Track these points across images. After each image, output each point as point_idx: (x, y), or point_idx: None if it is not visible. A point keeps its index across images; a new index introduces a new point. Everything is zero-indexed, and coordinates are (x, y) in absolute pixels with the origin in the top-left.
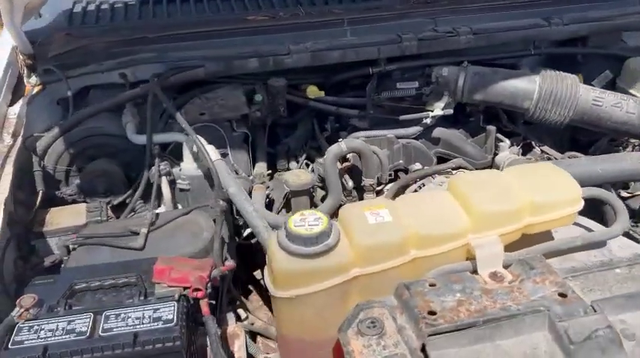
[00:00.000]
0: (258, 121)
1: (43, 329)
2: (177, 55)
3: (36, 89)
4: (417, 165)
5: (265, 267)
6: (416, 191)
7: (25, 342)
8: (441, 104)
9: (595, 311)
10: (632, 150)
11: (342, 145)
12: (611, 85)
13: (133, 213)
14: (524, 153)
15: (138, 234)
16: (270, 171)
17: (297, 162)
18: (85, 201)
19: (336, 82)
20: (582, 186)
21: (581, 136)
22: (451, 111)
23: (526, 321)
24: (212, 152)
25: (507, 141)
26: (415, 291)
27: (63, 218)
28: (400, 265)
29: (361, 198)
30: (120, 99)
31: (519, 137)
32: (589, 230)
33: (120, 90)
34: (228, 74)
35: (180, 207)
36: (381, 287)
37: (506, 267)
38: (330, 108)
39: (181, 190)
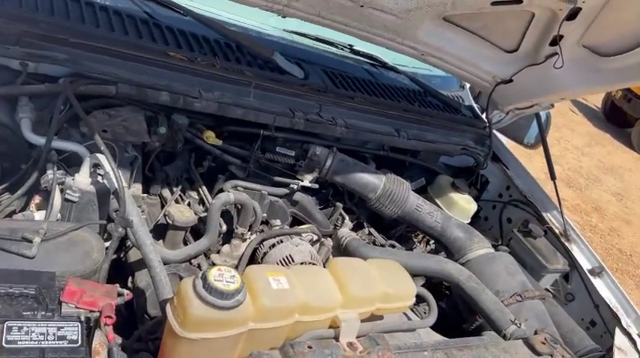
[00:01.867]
0: (153, 150)
1: None
2: (91, 66)
3: None
4: (277, 221)
5: (170, 305)
6: (274, 245)
7: None
8: (309, 177)
9: None
10: (421, 240)
11: (230, 196)
12: (422, 190)
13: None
14: (355, 230)
15: (30, 241)
16: (144, 195)
17: (172, 192)
18: None
19: (226, 130)
20: None
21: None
22: (317, 185)
23: None
24: (122, 178)
25: (347, 219)
26: (298, 351)
27: None
28: (285, 325)
29: (225, 243)
30: (22, 91)
31: (354, 215)
32: (408, 317)
33: (10, 76)
34: (138, 99)
35: (59, 216)
36: (264, 339)
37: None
38: (216, 151)
39: (67, 201)
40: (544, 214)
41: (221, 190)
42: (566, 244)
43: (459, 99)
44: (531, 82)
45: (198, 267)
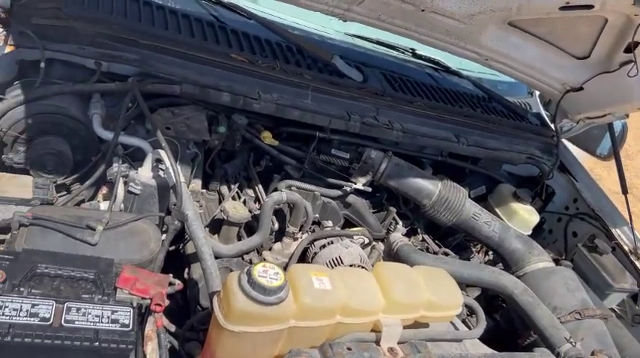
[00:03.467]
0: (213, 147)
1: (7, 307)
2: (158, 66)
3: (8, 49)
4: (329, 223)
5: (216, 297)
6: (324, 245)
7: None
8: (362, 180)
9: None
10: (479, 250)
11: (283, 195)
12: (483, 198)
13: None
14: (408, 236)
15: (94, 229)
16: (203, 190)
17: (229, 189)
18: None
19: (283, 131)
20: None
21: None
22: (370, 189)
23: None
24: (180, 173)
25: (401, 224)
26: (337, 352)
27: (9, 186)
28: (325, 325)
29: (278, 240)
30: (95, 88)
31: (408, 221)
32: (456, 327)
33: (85, 74)
34: (201, 99)
35: (122, 207)
36: (305, 337)
37: (399, 343)
38: (273, 151)
39: (130, 193)
40: (613, 230)
41: (276, 189)
42: (636, 262)
43: (527, 107)
44: (603, 91)
45: (250, 262)
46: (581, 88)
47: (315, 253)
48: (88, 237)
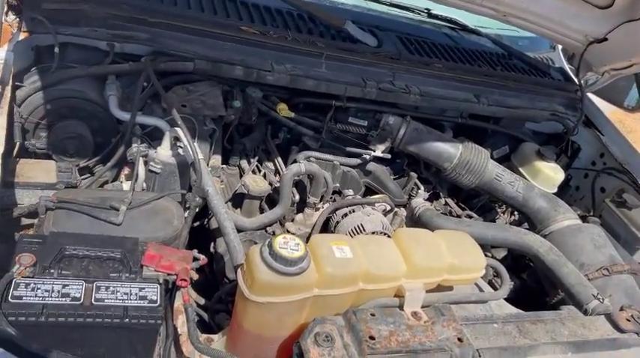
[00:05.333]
0: (229, 123)
1: (40, 288)
2: (170, 44)
3: (22, 36)
4: (350, 191)
5: (240, 270)
6: (346, 214)
7: (24, 298)
8: (382, 147)
9: (479, 356)
10: (504, 211)
11: (301, 166)
12: (506, 158)
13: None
14: (430, 200)
15: (117, 209)
16: (223, 166)
17: (249, 162)
18: (50, 157)
19: (299, 101)
20: None
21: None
22: (389, 156)
23: (434, 356)
24: (198, 150)
25: (422, 189)
26: (360, 318)
27: (34, 172)
28: (348, 293)
29: (300, 211)
30: (108, 70)
31: (430, 185)
32: (480, 289)
33: (100, 56)
34: (214, 74)
35: (144, 186)
36: (329, 305)
37: (423, 307)
38: (290, 122)
39: (151, 172)
40: None
41: (295, 161)
42: None
43: (549, 62)
44: (629, 40)
45: (273, 234)
46: (605, 39)
47: (337, 222)
48: (113, 218)
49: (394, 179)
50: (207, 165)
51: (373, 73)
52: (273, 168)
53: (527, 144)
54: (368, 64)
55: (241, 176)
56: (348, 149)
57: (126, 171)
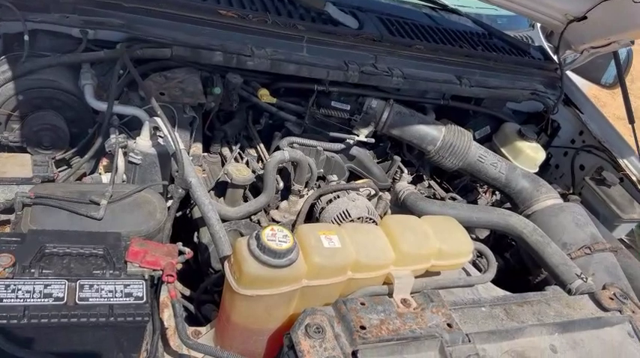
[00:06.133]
0: (210, 110)
1: (20, 289)
2: (146, 29)
3: None
4: (334, 177)
5: (227, 262)
6: (331, 200)
7: (4, 300)
8: (365, 131)
9: (469, 341)
10: (486, 191)
11: (285, 154)
12: (488, 139)
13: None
14: (414, 183)
15: (97, 203)
16: (204, 154)
17: (231, 150)
18: (25, 151)
19: (280, 86)
20: None
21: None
22: (373, 140)
23: (425, 343)
24: (179, 139)
25: (406, 172)
26: (350, 307)
27: (8, 166)
28: (338, 282)
29: (284, 198)
30: (82, 58)
31: (414, 168)
32: (467, 272)
33: (72, 44)
34: (193, 61)
35: (124, 178)
36: (318, 295)
37: (412, 293)
38: (271, 108)
39: (131, 163)
40: (620, 161)
41: (277, 148)
42: None
43: (528, 40)
44: (607, 18)
45: (258, 222)
46: (584, 17)
47: (322, 208)
48: (93, 212)
49: (378, 163)
50: (189, 153)
51: (355, 55)
52: (255, 154)
53: (509, 125)
54: (349, 47)
55: (223, 164)
56: (332, 134)
57: (104, 162)
